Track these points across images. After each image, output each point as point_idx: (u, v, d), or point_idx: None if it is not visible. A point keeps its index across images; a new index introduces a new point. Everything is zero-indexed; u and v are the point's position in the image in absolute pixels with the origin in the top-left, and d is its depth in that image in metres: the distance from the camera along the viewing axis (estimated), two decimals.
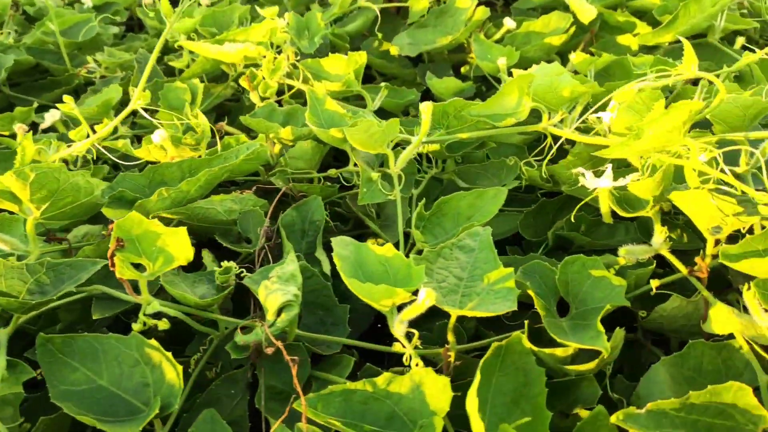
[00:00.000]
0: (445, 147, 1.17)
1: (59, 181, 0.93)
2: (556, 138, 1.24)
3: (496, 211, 1.01)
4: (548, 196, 1.20)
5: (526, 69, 1.30)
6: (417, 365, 0.74)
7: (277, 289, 0.79)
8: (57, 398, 0.72)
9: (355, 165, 1.18)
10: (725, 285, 0.94)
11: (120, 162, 1.20)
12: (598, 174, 0.93)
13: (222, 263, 0.85)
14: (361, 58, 1.33)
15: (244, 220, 1.05)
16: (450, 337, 0.82)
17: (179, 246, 0.77)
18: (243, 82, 1.45)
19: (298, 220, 1.06)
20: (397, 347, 0.79)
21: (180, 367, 0.73)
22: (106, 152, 1.20)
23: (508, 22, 1.65)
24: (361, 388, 0.74)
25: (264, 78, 1.40)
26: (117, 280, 0.93)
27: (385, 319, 1.04)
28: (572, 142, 1.20)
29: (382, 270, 0.84)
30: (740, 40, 1.54)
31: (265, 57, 1.39)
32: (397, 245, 1.04)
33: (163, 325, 0.78)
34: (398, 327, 0.78)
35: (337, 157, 1.40)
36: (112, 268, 0.76)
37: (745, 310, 0.79)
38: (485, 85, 1.67)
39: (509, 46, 1.55)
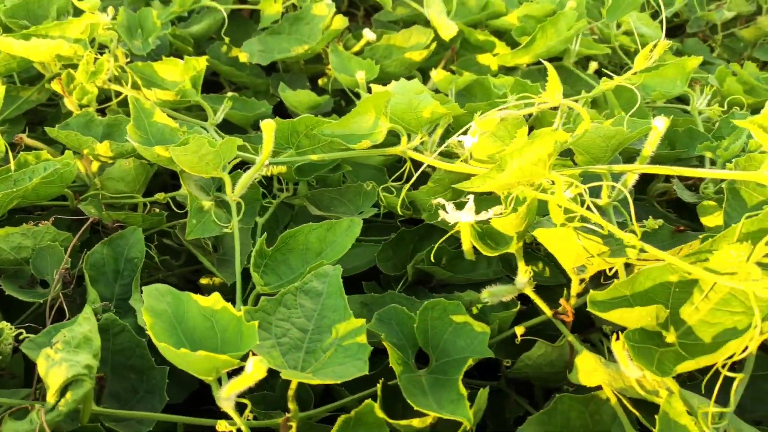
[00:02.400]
0: (294, 169, 1.04)
1: None
2: (417, 162, 1.16)
3: (350, 246, 0.88)
4: (409, 224, 1.11)
5: (386, 84, 1.20)
6: None
7: (63, 360, 0.60)
8: None
9: None
10: (589, 324, 0.89)
11: None
12: (460, 206, 0.84)
13: None
14: (199, 63, 1.16)
15: (39, 259, 0.84)
16: (291, 405, 0.69)
17: None
18: (55, 86, 1.22)
19: (111, 259, 0.87)
20: (223, 427, 0.64)
21: None
22: None
23: (368, 34, 1.55)
24: None
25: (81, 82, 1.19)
26: None
27: None
28: (434, 167, 1.12)
29: (207, 327, 0.68)
30: (593, 65, 1.56)
31: (82, 57, 1.17)
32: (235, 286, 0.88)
33: None
34: (225, 403, 0.63)
35: (175, 176, 1.21)
36: None
37: (611, 352, 0.73)
38: (345, 100, 1.56)
39: (369, 60, 1.45)
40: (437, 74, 1.39)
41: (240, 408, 0.66)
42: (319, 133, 1.03)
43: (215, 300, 0.69)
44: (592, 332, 0.87)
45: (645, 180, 1.33)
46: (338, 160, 1.09)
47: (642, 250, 0.68)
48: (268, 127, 0.86)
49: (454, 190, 1.04)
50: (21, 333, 0.66)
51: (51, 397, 0.59)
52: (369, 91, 1.37)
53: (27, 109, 1.36)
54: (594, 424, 0.72)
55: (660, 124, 0.79)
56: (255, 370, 0.56)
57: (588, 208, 0.71)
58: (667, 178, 1.23)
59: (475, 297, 0.92)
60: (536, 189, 0.77)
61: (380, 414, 0.63)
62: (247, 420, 0.65)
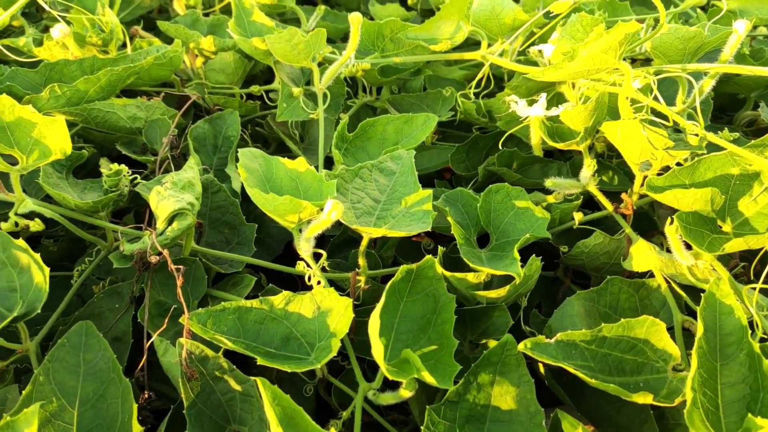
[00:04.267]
0: (378, 70, 1.10)
1: None
2: (495, 72, 1.19)
3: (424, 138, 0.95)
4: (483, 133, 1.15)
5: None
6: (319, 283, 0.68)
7: (170, 196, 0.71)
8: None
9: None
10: (651, 228, 0.91)
11: (20, 59, 1.07)
12: (532, 104, 0.88)
13: (111, 166, 0.76)
14: None
15: (150, 130, 0.96)
16: (361, 261, 0.77)
17: (57, 138, 0.68)
18: None
19: (211, 134, 0.97)
20: (301, 267, 0.73)
21: (47, 269, 0.64)
22: (4, 50, 1.07)
23: None
24: (257, 307, 0.68)
25: None
26: None
27: None
28: (511, 76, 1.15)
29: (292, 186, 0.77)
30: None
31: None
32: (317, 169, 0.97)
33: (36, 226, 0.69)
34: (304, 245, 0.72)
35: (268, 77, 1.30)
36: None
37: (668, 250, 0.76)
38: None
39: None
40: None
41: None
42: (404, 36, 1.08)
43: (300, 163, 0.77)
44: (654, 235, 0.90)
45: (733, 109, 1.30)
46: (420, 63, 1.14)
47: (706, 141, 0.70)
48: (356, 19, 0.92)
49: (531, 97, 1.07)
50: (136, 177, 0.77)
51: (160, 224, 0.70)
52: None
53: (140, 15, 1.49)
54: (643, 308, 0.76)
55: (741, 27, 0.79)
56: (333, 209, 0.64)
57: (656, 100, 0.73)
58: (756, 107, 1.20)
59: (542, 198, 0.96)
60: (607, 85, 0.80)
61: (439, 269, 0.69)
62: (323, 270, 0.73)
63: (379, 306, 0.63)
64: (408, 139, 0.96)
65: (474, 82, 1.11)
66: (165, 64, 0.99)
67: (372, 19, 1.50)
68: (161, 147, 0.95)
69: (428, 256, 0.70)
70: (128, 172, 0.76)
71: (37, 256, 0.65)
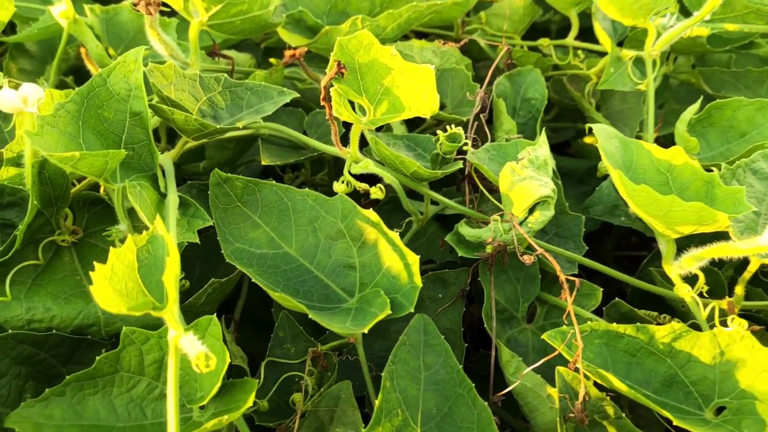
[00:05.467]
0: (707, 38, 0.90)
1: None
2: None
3: None
4: None
5: None
6: (727, 327, 0.53)
7: (530, 177, 0.57)
8: (232, 257, 0.55)
9: (579, 38, 0.93)
10: None
11: None
12: None
13: (448, 129, 0.63)
14: None
15: (442, 79, 0.82)
16: (739, 290, 0.61)
17: (417, 91, 0.55)
18: None
19: (511, 93, 0.82)
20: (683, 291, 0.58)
21: (415, 258, 0.53)
22: None
23: None
24: (631, 334, 0.54)
25: None
26: (284, 123, 0.74)
27: None
28: None
29: (660, 180, 0.61)
30: None
31: None
32: None
33: (378, 192, 0.58)
34: (687, 263, 0.57)
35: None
36: (323, 102, 0.55)
37: None
38: None
39: None
40: None
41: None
42: None
43: (675, 153, 0.61)
44: None
45: None
46: (755, 35, 0.93)
47: None
48: None
49: None
50: (467, 143, 0.64)
51: (519, 212, 0.57)
52: None
53: None
54: None
55: None
56: None
57: None
58: None
59: None
60: None
61: None
62: (700, 295, 0.58)
63: None
64: (761, 131, 0.76)
65: None
66: (461, 4, 0.85)
67: None
68: (451, 101, 0.82)
69: None
70: (464, 137, 0.63)
71: (395, 236, 0.53)
